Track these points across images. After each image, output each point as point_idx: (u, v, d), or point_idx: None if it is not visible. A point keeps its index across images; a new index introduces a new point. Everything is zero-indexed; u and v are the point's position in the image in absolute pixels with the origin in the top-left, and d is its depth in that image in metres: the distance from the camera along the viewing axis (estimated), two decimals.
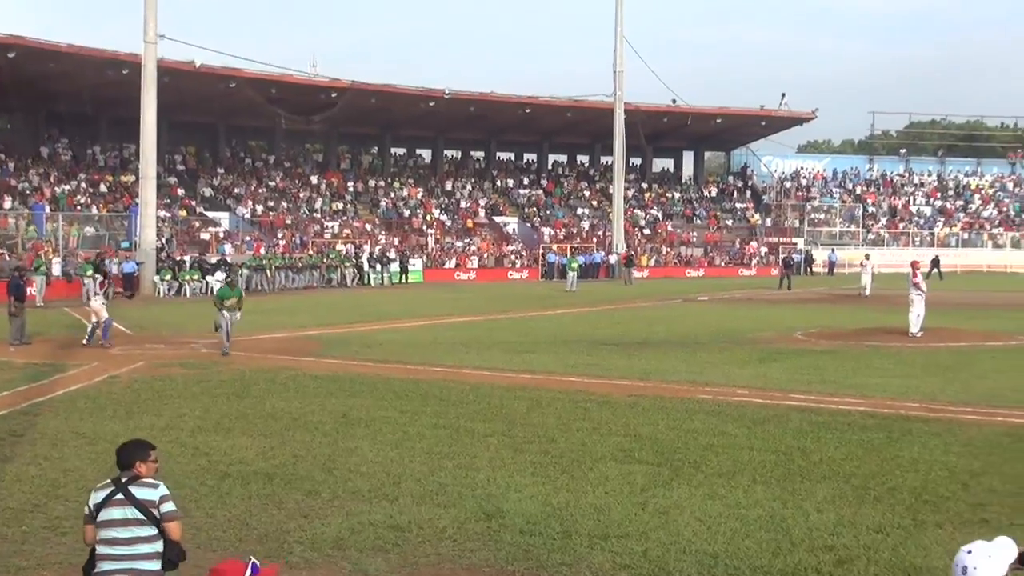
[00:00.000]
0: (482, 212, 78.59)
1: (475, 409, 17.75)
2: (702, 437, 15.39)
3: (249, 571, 5.33)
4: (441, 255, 70.41)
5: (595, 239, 77.22)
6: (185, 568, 7.25)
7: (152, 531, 6.85)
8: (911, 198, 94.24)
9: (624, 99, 71.66)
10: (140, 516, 6.81)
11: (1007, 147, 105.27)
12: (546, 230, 77.23)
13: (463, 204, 78.89)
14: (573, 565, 9.97)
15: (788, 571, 9.79)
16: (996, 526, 11.33)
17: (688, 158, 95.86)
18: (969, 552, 4.74)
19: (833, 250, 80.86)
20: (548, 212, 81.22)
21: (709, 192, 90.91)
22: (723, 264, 78.77)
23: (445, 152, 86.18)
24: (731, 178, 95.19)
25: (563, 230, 77.85)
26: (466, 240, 73.44)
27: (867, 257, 55.12)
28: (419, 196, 77.90)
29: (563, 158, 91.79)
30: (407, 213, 75.46)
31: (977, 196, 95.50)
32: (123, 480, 6.93)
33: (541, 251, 72.44)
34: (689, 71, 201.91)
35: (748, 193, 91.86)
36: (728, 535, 10.62)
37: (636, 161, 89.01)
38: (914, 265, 32.39)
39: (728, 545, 10.33)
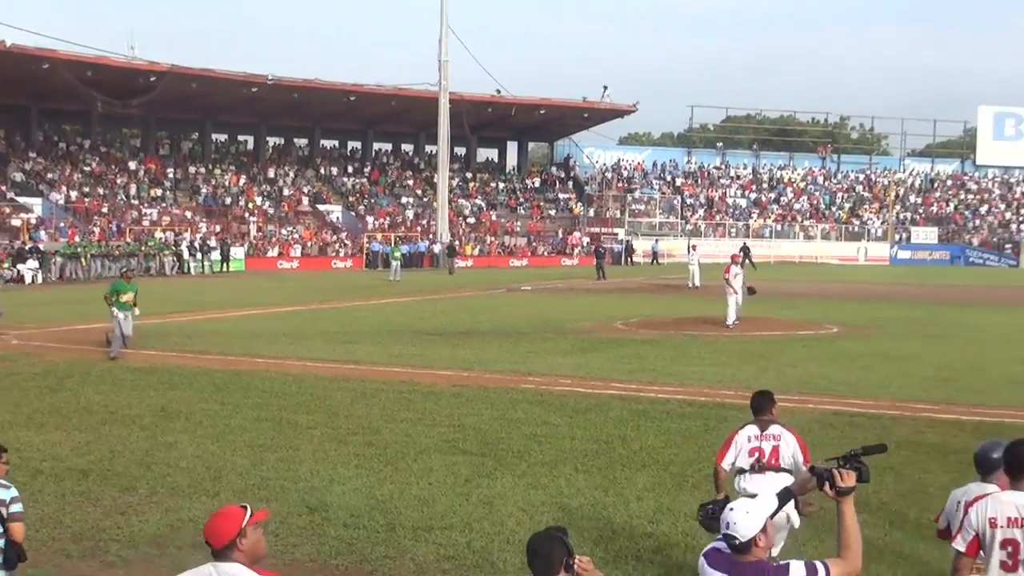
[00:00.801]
0: (305, 200, 77.66)
1: (298, 401, 17.60)
2: (525, 427, 15.54)
3: (248, 514, 5.45)
4: (264, 244, 69.39)
5: (419, 228, 77.15)
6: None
7: None
8: (727, 190, 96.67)
9: (449, 88, 71.72)
10: None
11: (817, 142, 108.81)
12: (370, 219, 76.82)
13: (286, 192, 77.86)
14: (397, 558, 9.97)
15: (609, 559, 9.95)
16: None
17: (512, 148, 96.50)
18: (731, 509, 5.32)
19: (656, 240, 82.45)
20: (372, 201, 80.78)
21: (532, 182, 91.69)
22: (546, 254, 79.52)
23: (268, 139, 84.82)
24: (554, 169, 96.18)
25: (387, 219, 77.55)
26: (289, 228, 72.55)
27: (694, 248, 56.16)
28: (241, 183, 76.56)
29: (388, 146, 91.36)
30: (228, 200, 74.08)
31: (789, 189, 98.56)
32: None
33: (365, 240, 72.04)
34: (514, 62, 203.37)
35: (571, 184, 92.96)
36: (551, 524, 10.76)
37: (461, 151, 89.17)
38: (734, 258, 33.14)
39: None
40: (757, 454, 8.90)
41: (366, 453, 13.97)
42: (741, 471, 8.99)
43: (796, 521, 8.64)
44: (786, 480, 8.41)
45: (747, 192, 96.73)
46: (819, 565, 5.30)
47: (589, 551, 10.19)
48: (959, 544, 6.14)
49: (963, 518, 6.20)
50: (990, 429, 14.54)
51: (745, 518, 5.24)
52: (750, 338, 27.85)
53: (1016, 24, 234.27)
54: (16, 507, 7.39)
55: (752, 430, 9.04)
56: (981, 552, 6.08)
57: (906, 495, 12.30)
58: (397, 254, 58.89)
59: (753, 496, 7.59)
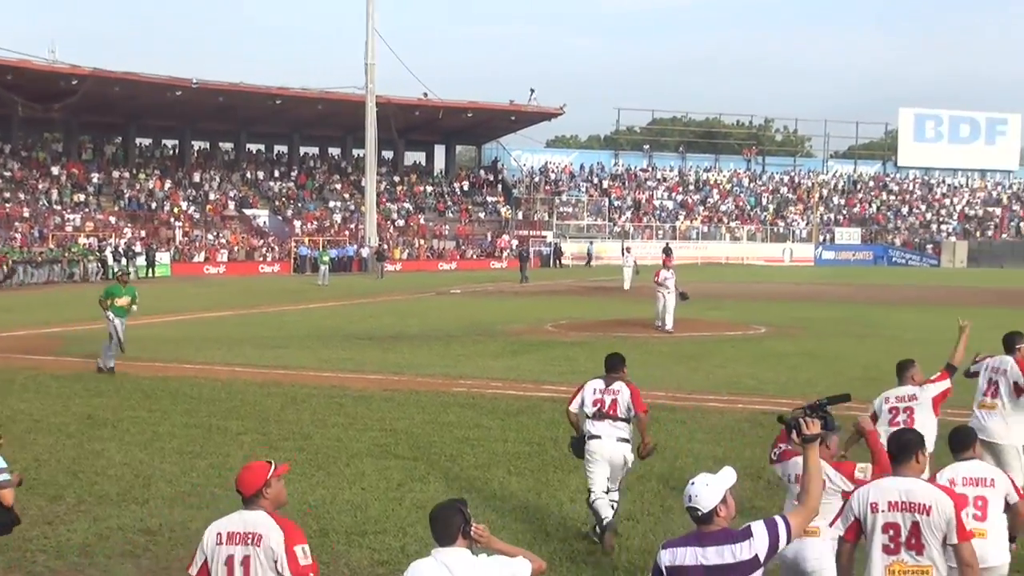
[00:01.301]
0: (232, 205, 76.98)
1: (227, 407, 17.44)
2: (457, 430, 15.53)
3: (272, 468, 6.57)
4: (190, 249, 68.69)
5: (347, 232, 76.80)
6: None
7: None
8: (654, 192, 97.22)
9: (376, 92, 71.42)
10: None
11: (742, 144, 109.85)
12: (297, 223, 76.33)
13: (212, 196, 77.09)
14: (331, 564, 9.91)
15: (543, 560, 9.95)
16: (737, 510, 11.82)
17: (440, 152, 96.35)
18: (692, 483, 5.68)
19: (592, 243, 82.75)
20: (300, 205, 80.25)
21: (461, 186, 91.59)
22: (475, 257, 79.51)
23: (193, 143, 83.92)
24: (482, 172, 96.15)
25: (315, 223, 77.11)
26: (215, 233, 71.85)
27: (628, 250, 56.24)
28: (166, 188, 75.69)
29: (315, 150, 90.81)
30: (153, 205, 73.20)
31: (715, 191, 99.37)
32: None
33: (293, 244, 71.56)
34: (441, 65, 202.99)
35: (499, 187, 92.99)
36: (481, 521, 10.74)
37: (388, 154, 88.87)
38: (665, 262, 33.24)
39: None
40: (599, 404, 10.54)
41: (297, 459, 13.86)
42: (588, 417, 10.63)
43: (630, 461, 10.62)
44: (622, 428, 10.48)
45: (674, 194, 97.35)
46: (778, 520, 5.75)
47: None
48: (838, 529, 6.53)
49: (843, 506, 6.59)
50: None
51: (705, 490, 5.61)
52: (679, 339, 28.02)
53: (936, 28, 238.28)
54: (3, 476, 8.13)
55: (598, 384, 10.72)
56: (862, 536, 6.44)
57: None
58: (325, 258, 58.67)
59: (597, 437, 10.43)
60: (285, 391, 19.28)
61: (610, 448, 10.46)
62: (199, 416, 16.61)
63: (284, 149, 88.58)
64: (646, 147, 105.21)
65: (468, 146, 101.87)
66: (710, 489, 5.62)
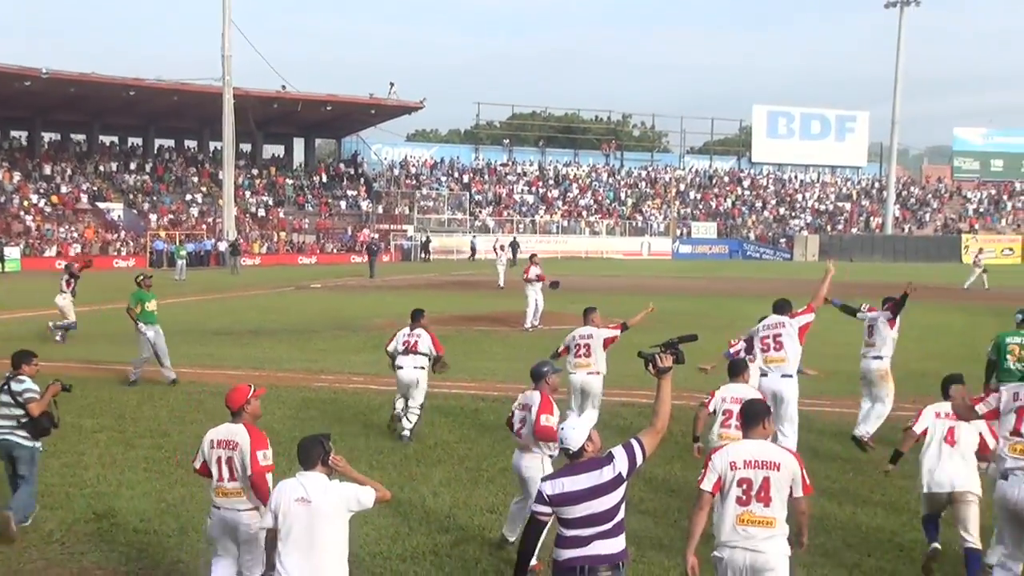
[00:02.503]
0: (84, 198, 75.12)
1: (82, 404, 17.02)
2: (320, 425, 15.42)
3: (252, 389, 9.22)
4: (41, 243, 66.87)
5: (205, 226, 75.60)
6: None
7: (20, 411, 10.85)
8: (514, 186, 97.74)
9: (233, 84, 70.38)
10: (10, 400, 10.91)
11: (601, 139, 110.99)
12: (153, 217, 74.87)
13: (64, 189, 75.11)
14: (190, 562, 9.82)
15: (407, 555, 10.00)
16: None
17: (299, 144, 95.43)
18: (563, 428, 7.08)
19: (475, 236, 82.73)
20: (155, 198, 78.69)
21: (320, 179, 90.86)
22: (335, 251, 78.95)
23: (43, 134, 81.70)
24: (342, 165, 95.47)
25: (171, 217, 75.72)
26: (68, 227, 70.06)
27: (502, 248, 56.12)
28: (15, 180, 73.53)
29: (171, 143, 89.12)
30: (2, 199, 71.06)
31: (575, 185, 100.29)
32: (7, 376, 11.13)
33: (149, 238, 70.18)
34: (300, 58, 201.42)
35: (359, 180, 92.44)
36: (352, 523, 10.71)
37: (247, 147, 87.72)
38: (532, 258, 33.32)
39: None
40: (406, 344, 15.19)
41: (155, 456, 13.67)
42: (399, 353, 15.23)
43: (423, 381, 15.33)
44: (420, 360, 15.17)
45: (534, 188, 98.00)
46: (634, 442, 7.01)
47: (387, 547, 10.23)
48: (706, 485, 7.46)
49: (707, 463, 7.56)
50: None
51: (573, 432, 6.99)
52: (541, 333, 28.26)
53: (785, 28, 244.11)
54: (29, 393, 10.99)
55: (405, 330, 15.41)
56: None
57: (692, 483, 12.65)
58: (182, 252, 57.61)
59: (401, 367, 15.16)
60: (141, 388, 18.97)
61: (409, 373, 15.03)
62: None
63: (139, 141, 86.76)
64: (506, 141, 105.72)
65: (328, 139, 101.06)
66: (576, 431, 6.98)
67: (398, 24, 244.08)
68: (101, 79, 72.33)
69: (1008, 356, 13.84)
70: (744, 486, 7.35)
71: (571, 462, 6.95)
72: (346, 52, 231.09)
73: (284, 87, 78.87)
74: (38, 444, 11.07)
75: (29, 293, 43.19)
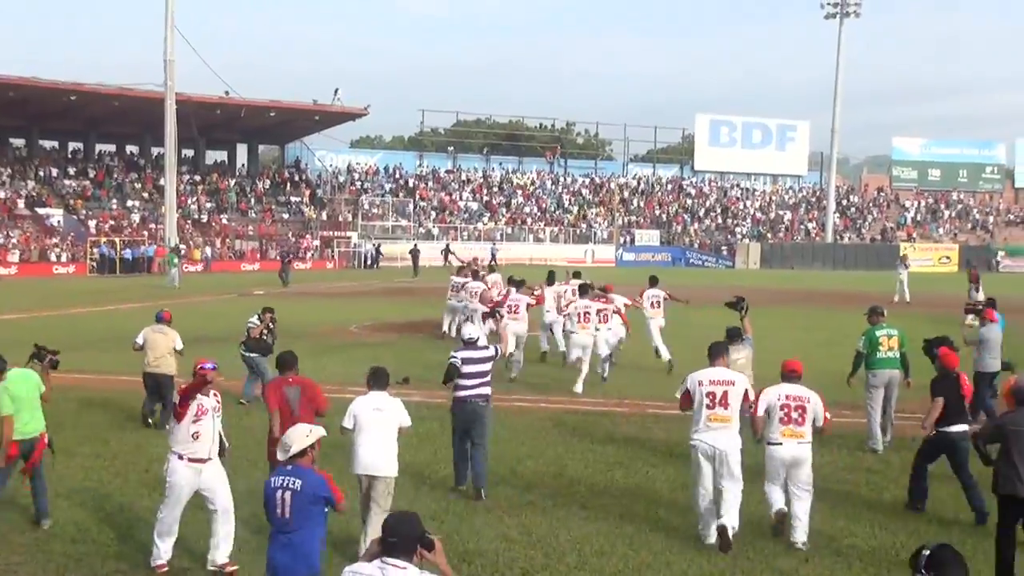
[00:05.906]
0: (22, 203, 74.20)
1: None
2: (260, 433, 15.32)
3: (210, 365, 10.37)
4: None
5: (147, 232, 74.93)
6: None
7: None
8: (459, 193, 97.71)
9: (176, 89, 69.78)
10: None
11: (545, 146, 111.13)
12: (93, 223, 74.08)
13: (1, 194, 74.18)
14: (129, 572, 9.75)
15: (335, 569, 9.96)
16: (541, 507, 12.08)
17: (242, 150, 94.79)
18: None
19: (449, 242, 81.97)
20: (96, 204, 77.87)
21: (263, 185, 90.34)
22: (278, 258, 78.38)
23: None
24: (286, 171, 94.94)
25: (112, 223, 74.95)
26: (5, 233, 69.17)
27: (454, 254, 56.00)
28: None
29: (112, 148, 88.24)
30: None
31: (519, 192, 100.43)
32: None
33: (90, 244, 69.41)
34: (244, 64, 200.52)
35: (303, 186, 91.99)
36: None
37: (189, 153, 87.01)
38: (488, 265, 33.17)
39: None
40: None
41: (94, 465, 13.56)
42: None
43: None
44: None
45: (478, 195, 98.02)
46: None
47: (350, 562, 10.18)
48: (679, 393, 11.42)
49: (685, 382, 11.36)
50: None
51: (472, 328, 12.05)
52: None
53: (728, 38, 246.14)
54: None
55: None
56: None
57: (635, 489, 12.76)
58: (175, 260, 56.42)
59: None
60: (80, 395, 18.79)
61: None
62: None
63: (79, 146, 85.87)
64: (450, 149, 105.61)
65: (271, 145, 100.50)
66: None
67: (344, 31, 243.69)
68: (41, 83, 71.49)
69: (879, 347, 15.74)
70: (711, 396, 10.96)
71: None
72: (290, 58, 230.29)
73: (227, 93, 78.33)
74: None
75: None
